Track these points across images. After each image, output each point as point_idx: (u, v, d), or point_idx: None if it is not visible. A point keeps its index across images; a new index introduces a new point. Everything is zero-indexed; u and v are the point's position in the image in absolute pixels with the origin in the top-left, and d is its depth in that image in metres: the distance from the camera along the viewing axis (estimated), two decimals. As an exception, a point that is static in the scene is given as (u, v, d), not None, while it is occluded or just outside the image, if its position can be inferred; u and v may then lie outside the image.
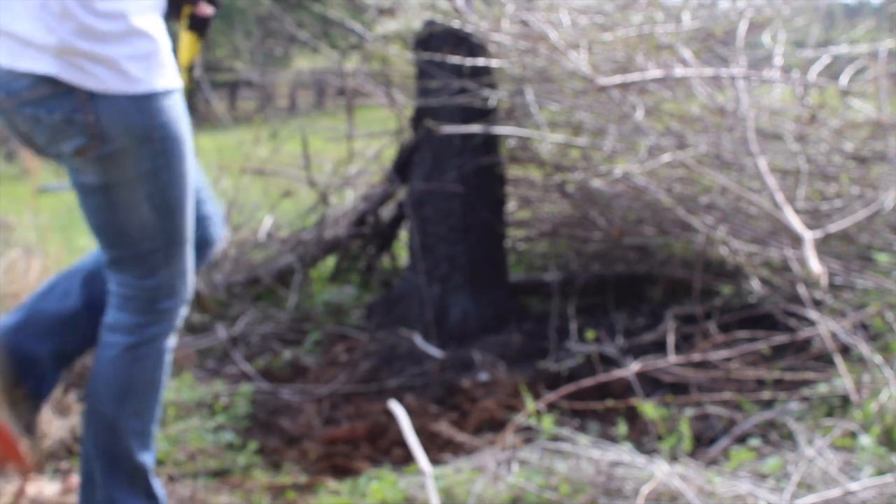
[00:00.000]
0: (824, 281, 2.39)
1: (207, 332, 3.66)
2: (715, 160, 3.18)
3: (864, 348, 2.47)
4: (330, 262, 4.34)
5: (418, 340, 3.38)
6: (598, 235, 3.79)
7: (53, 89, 1.81)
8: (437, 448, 2.65)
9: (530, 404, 2.39)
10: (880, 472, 1.99)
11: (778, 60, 3.41)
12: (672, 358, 2.67)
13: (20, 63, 1.81)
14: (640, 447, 2.42)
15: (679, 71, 3.20)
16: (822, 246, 2.95)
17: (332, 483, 2.51)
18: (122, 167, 1.88)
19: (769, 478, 2.09)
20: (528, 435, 2.47)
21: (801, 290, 2.87)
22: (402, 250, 4.21)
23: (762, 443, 2.35)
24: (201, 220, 2.18)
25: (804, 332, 2.68)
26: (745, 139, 2.96)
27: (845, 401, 2.40)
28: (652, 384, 2.80)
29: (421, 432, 2.62)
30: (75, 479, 2.38)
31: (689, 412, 2.56)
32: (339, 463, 2.67)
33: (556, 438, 2.34)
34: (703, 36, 3.51)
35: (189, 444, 2.72)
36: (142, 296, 2.01)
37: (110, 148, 1.84)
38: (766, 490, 1.99)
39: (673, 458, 2.25)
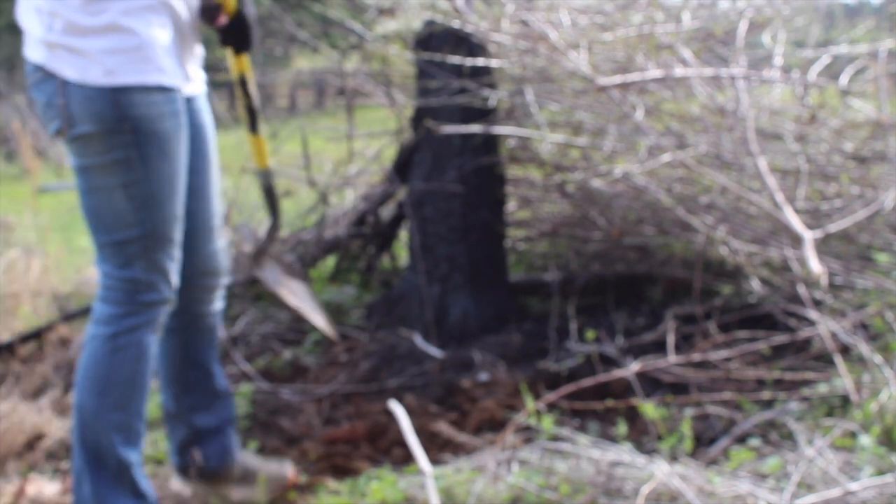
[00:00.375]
0: (824, 281, 2.39)
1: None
2: (715, 160, 3.18)
3: (864, 348, 2.47)
4: (330, 262, 4.34)
5: (418, 340, 3.38)
6: (598, 235, 3.79)
7: (43, 76, 2.04)
8: (437, 448, 2.66)
9: (530, 404, 2.39)
10: (880, 472, 1.99)
11: (778, 60, 3.41)
12: (672, 358, 2.67)
13: (27, 52, 2.07)
14: (640, 447, 2.43)
15: (679, 71, 3.20)
16: (822, 246, 2.95)
17: (332, 483, 2.52)
18: (93, 151, 2.04)
19: (769, 478, 2.09)
20: (528, 435, 2.47)
21: (801, 290, 2.87)
22: (402, 250, 4.21)
23: (762, 443, 2.35)
24: (207, 253, 2.31)
25: (804, 332, 2.68)
26: (745, 139, 2.96)
27: (845, 401, 2.40)
28: (652, 384, 2.80)
29: (421, 432, 2.62)
30: (75, 479, 2.39)
31: (690, 412, 2.56)
32: (339, 463, 2.67)
33: (556, 438, 2.34)
34: (703, 36, 3.51)
35: (189, 444, 2.72)
36: (120, 287, 2.09)
37: (79, 131, 2.02)
38: (766, 490, 1.99)
39: (673, 458, 2.25)
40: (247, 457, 2.49)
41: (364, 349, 3.39)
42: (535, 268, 4.19)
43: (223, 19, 2.27)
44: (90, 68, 1.99)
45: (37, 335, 3.71)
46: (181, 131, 2.10)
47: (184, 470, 2.43)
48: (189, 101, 2.22)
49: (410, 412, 2.70)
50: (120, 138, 2.02)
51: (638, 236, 3.67)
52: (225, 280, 2.41)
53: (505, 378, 3.05)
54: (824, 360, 2.63)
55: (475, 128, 3.45)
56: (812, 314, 2.69)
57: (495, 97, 3.48)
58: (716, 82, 3.41)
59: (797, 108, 3.47)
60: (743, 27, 3.40)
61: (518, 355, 3.24)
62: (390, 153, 4.19)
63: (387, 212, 4.14)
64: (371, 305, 3.77)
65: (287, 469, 2.49)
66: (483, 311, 3.56)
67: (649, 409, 2.41)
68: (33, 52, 2.05)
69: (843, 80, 3.30)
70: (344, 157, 4.64)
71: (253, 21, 2.29)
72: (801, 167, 3.11)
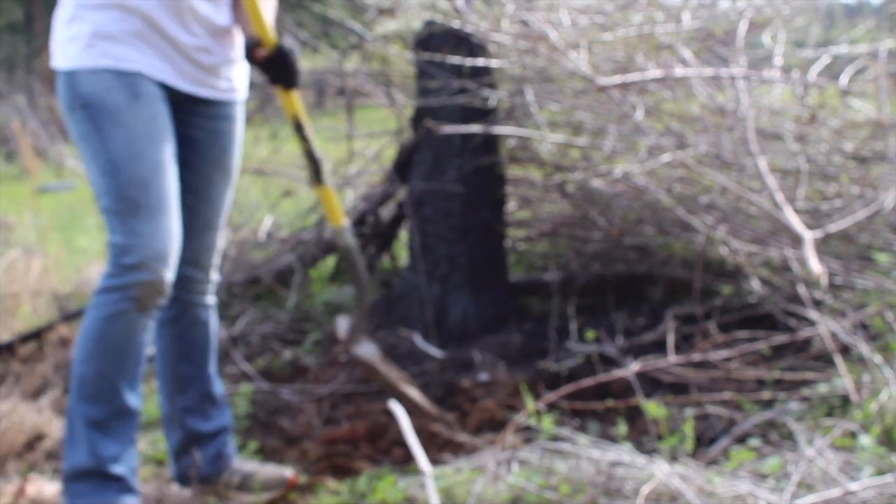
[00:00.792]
0: (824, 281, 2.39)
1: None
2: (715, 160, 3.18)
3: (864, 348, 2.46)
4: (330, 262, 4.34)
5: (418, 340, 3.38)
6: (598, 235, 3.79)
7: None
8: (437, 448, 2.65)
9: (530, 404, 2.39)
10: (880, 472, 1.99)
11: (778, 60, 3.41)
12: (672, 358, 2.67)
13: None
14: (640, 447, 2.42)
15: (679, 71, 3.20)
16: (822, 246, 2.95)
17: (332, 483, 2.52)
18: (70, 129, 2.22)
19: (769, 478, 2.09)
20: (528, 435, 2.47)
21: (801, 290, 2.86)
22: (402, 250, 4.21)
23: (762, 443, 2.34)
24: (198, 247, 2.39)
25: (804, 332, 2.68)
26: (745, 139, 2.96)
27: (845, 401, 2.40)
28: (652, 384, 2.80)
29: (421, 432, 2.62)
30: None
31: (690, 412, 2.55)
32: (339, 463, 2.67)
33: (556, 438, 2.34)
34: (703, 36, 3.51)
35: (189, 444, 2.72)
36: (109, 252, 2.19)
37: (63, 114, 2.23)
38: (766, 490, 1.99)
39: (673, 458, 2.25)
40: (245, 463, 2.51)
41: (364, 349, 3.39)
42: (535, 268, 4.19)
43: (262, 52, 2.24)
44: (61, 56, 2.19)
45: (37, 335, 3.71)
46: (137, 103, 2.15)
47: (181, 477, 2.46)
48: (204, 106, 2.30)
49: (410, 412, 2.69)
50: (78, 115, 2.17)
51: (638, 236, 3.67)
52: (215, 277, 2.46)
53: (505, 378, 3.05)
54: (824, 360, 2.63)
55: (475, 128, 3.45)
56: (812, 314, 2.68)
57: (495, 97, 3.47)
58: (716, 82, 3.41)
59: (797, 108, 3.47)
60: (743, 27, 3.40)
61: (518, 355, 3.24)
62: (390, 153, 4.19)
63: (387, 212, 4.14)
64: (371, 305, 3.77)
65: (286, 472, 2.50)
66: (483, 311, 3.55)
67: (652, 407, 2.40)
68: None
69: (843, 80, 3.30)
70: (344, 157, 4.64)
71: (295, 55, 2.26)
72: (801, 167, 3.11)
